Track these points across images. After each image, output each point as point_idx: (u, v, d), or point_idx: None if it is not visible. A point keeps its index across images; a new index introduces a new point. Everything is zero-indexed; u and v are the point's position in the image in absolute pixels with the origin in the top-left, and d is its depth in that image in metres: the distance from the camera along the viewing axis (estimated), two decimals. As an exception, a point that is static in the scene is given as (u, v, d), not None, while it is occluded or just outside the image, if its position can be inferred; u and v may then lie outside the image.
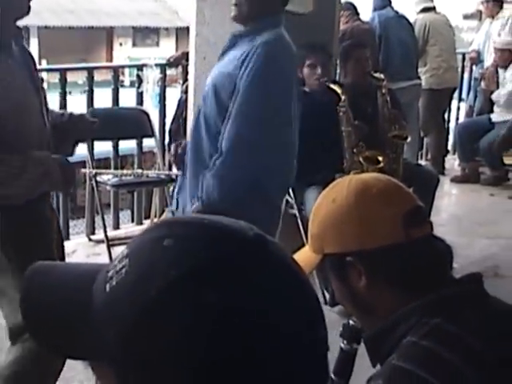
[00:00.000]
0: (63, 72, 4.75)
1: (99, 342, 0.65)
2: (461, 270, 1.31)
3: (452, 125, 7.12)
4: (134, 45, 24.88)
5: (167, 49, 21.11)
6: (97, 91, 4.86)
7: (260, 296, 0.63)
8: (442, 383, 1.10)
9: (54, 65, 4.68)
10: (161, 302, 0.62)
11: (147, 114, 4.76)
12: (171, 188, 4.18)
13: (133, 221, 5.39)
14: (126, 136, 4.90)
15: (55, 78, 4.39)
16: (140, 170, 4.69)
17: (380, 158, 3.77)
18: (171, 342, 0.62)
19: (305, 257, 1.33)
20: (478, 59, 6.85)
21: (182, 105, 4.51)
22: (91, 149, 4.50)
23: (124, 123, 4.70)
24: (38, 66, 2.60)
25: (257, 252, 0.65)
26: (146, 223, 5.04)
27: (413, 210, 1.27)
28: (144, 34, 24.91)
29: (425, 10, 6.25)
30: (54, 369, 2.29)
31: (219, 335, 0.61)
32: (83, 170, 4.42)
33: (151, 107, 5.90)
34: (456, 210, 5.99)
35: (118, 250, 1.82)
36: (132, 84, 6.77)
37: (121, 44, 24.69)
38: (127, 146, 5.25)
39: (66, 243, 4.43)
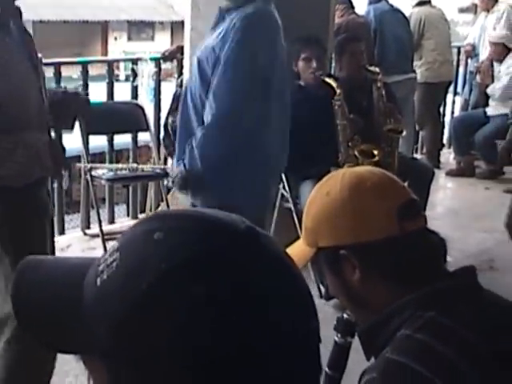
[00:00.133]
0: (58, 66, 4.72)
1: (91, 337, 0.65)
2: (456, 264, 1.31)
3: (447, 118, 7.12)
4: (129, 39, 24.83)
5: (162, 43, 21.06)
6: (92, 85, 4.85)
7: (252, 288, 0.63)
8: (436, 376, 1.10)
9: (49, 59, 4.63)
10: (152, 296, 0.62)
11: (142, 108, 4.76)
12: (166, 182, 4.17)
13: (128, 215, 5.39)
14: (121, 130, 4.90)
15: (50, 72, 4.36)
16: (135, 165, 4.69)
17: (375, 152, 3.76)
18: (163, 337, 0.61)
19: (299, 250, 1.32)
20: (473, 53, 6.85)
21: (177, 99, 4.50)
22: (86, 143, 4.48)
23: (119, 117, 4.69)
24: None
25: (249, 245, 0.65)
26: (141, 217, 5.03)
27: (407, 204, 1.27)
28: (139, 28, 24.86)
29: (420, 3, 6.25)
30: (46, 369, 2.30)
31: (211, 327, 0.60)
32: (78, 165, 4.41)
33: (146, 101, 5.88)
34: (451, 203, 5.99)
35: (112, 244, 1.83)
36: (127, 78, 6.75)
37: (116, 38, 24.62)
38: (122, 140, 5.24)
39: (61, 237, 4.47)
